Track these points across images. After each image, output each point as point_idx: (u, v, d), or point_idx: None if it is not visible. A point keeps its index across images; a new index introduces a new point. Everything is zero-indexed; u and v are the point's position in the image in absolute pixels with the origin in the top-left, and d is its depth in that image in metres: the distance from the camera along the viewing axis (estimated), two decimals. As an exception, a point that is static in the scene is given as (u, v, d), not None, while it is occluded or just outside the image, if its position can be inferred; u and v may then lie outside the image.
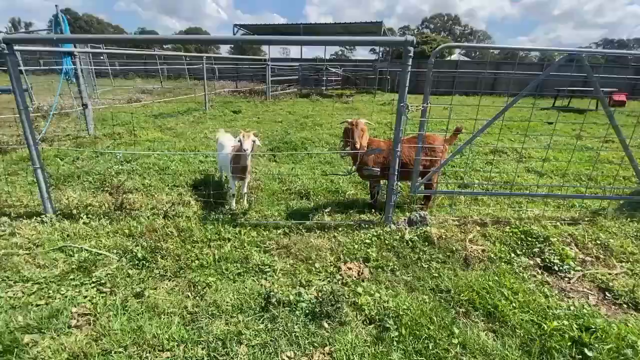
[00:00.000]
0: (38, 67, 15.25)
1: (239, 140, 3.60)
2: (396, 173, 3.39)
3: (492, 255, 3.15)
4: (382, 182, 4.06)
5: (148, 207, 3.99)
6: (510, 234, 3.45)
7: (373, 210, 3.98)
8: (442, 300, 2.58)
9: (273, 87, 16.41)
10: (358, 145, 3.46)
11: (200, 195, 4.38)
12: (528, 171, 5.67)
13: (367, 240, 3.33)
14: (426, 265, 3.00)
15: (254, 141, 3.65)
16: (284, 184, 4.84)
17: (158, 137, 7.47)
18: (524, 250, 3.24)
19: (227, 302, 2.50)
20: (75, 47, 7.70)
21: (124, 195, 4.18)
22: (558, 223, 3.66)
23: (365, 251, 3.16)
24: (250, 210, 3.98)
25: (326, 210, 3.92)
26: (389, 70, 20.48)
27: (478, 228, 3.58)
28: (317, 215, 3.89)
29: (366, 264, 3.02)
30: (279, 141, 7.27)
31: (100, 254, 3.04)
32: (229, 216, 3.77)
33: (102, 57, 19.78)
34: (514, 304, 2.53)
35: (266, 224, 3.63)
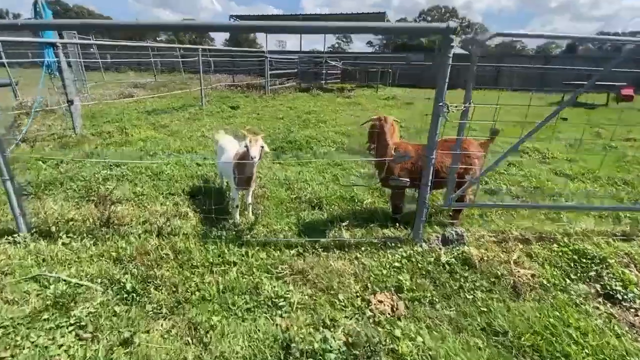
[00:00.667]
0: (25, 60, 14.47)
1: (246, 146, 3.09)
2: (429, 184, 2.91)
3: (545, 282, 2.70)
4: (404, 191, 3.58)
5: (140, 222, 3.48)
6: (560, 254, 3.00)
7: (397, 223, 3.50)
8: (500, 346, 2.12)
9: (271, 81, 15.80)
10: (392, 144, 2.96)
11: (198, 206, 3.87)
12: (556, 174, 5.22)
13: (397, 264, 2.86)
14: (470, 296, 2.54)
15: (262, 147, 3.14)
16: (292, 191, 4.34)
17: (151, 135, 6.91)
18: (579, 275, 2.79)
19: (237, 352, 2.02)
20: (61, 37, 7.08)
21: (112, 207, 3.66)
22: (610, 239, 3.21)
23: (396, 278, 2.69)
24: (257, 224, 3.48)
25: (344, 224, 3.44)
26: (409, 62, 19.90)
27: (521, 246, 3.12)
28: (333, 230, 3.40)
29: (399, 294, 2.55)
30: (282, 140, 6.74)
31: (81, 285, 2.54)
32: (233, 232, 3.27)
33: (91, 49, 18.95)
34: (586, 350, 2.08)
35: (276, 242, 3.14)
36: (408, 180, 3.00)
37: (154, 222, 3.42)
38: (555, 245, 3.10)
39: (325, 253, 3.04)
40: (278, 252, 3.02)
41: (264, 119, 8.77)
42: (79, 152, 5.65)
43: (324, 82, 19.14)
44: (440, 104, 2.60)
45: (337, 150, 6.32)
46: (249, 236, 3.23)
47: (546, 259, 2.95)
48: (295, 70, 19.49)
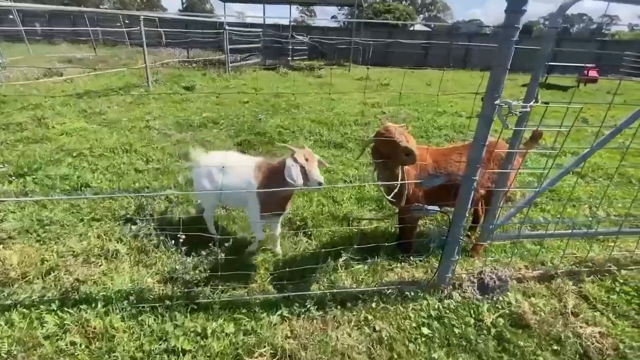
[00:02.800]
0: None
1: (301, 166, 2.15)
2: (467, 213, 2.05)
3: (619, 343, 2.00)
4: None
5: (39, 273, 2.33)
6: (622, 295, 2.32)
7: (404, 252, 2.66)
8: None
9: (232, 57, 14.11)
10: (416, 152, 2.03)
11: (137, 236, 2.76)
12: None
13: (425, 329, 2.02)
14: (537, 384, 1.77)
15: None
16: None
17: (80, 127, 5.45)
18: (655, 328, 2.13)
19: None
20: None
21: (-3, 251, 2.46)
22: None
23: (427, 356, 1.85)
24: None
25: (341, 261, 2.53)
26: (360, 40, 18.72)
27: (572, 285, 2.40)
28: (328, 271, 2.48)
29: (439, 390, 1.72)
30: (248, 131, 5.60)
31: None
32: (182, 289, 2.24)
33: (11, 16, 15.88)
34: None
35: (249, 302, 2.17)
36: (438, 208, 2.12)
37: (60, 278, 2.29)
38: (612, 282, 2.42)
39: (320, 314, 2.13)
40: (252, 319, 2.06)
41: (224, 103, 7.46)
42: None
43: (290, 59, 17.65)
44: (498, 102, 1.70)
45: (315, 144, 5.33)
46: (207, 290, 2.22)
47: (608, 304, 2.26)
48: (259, 46, 17.75)
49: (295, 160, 2.17)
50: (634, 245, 2.71)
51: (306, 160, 2.17)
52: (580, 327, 2.08)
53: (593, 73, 14.86)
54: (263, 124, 5.94)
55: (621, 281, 2.41)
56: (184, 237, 2.33)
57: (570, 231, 2.37)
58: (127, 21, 19.44)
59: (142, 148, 4.58)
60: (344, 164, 4.48)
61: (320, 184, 2.14)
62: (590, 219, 3.26)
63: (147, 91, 7.98)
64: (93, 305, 2.04)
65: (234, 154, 2.81)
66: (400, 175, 2.18)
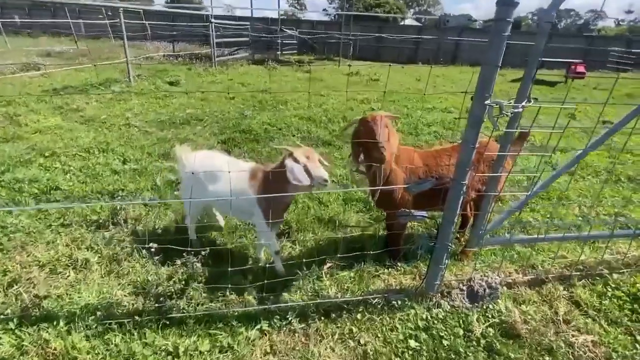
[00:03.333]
0: None
1: (304, 168, 2.00)
2: (455, 219, 1.95)
3: (611, 352, 1.93)
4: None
5: (0, 288, 2.16)
6: (614, 300, 2.26)
7: (391, 257, 2.56)
8: None
9: (220, 51, 13.77)
10: (389, 156, 1.94)
11: (108, 244, 2.59)
12: (553, 168, 4.59)
13: (412, 342, 1.92)
14: (528, 398, 1.68)
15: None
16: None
17: (55, 124, 5.20)
18: (647, 334, 2.07)
19: None
20: None
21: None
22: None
23: (416, 372, 1.75)
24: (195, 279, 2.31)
25: (325, 268, 2.41)
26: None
27: (563, 291, 2.33)
28: (311, 278, 2.36)
29: (427, 409, 1.62)
30: (233, 129, 5.41)
31: None
32: (153, 303, 2.09)
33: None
34: None
35: (226, 315, 2.04)
36: (426, 214, 2.01)
37: (19, 292, 2.11)
38: (604, 286, 2.36)
39: (302, 326, 2.00)
40: (229, 334, 1.92)
41: (209, 99, 7.23)
42: None
43: (279, 53, 17.36)
44: (488, 102, 1.58)
45: (303, 141, 5.17)
46: (182, 303, 2.08)
47: (600, 310, 2.19)
48: (247, 39, 17.39)
49: (296, 159, 2.03)
50: (626, 248, 2.66)
51: (307, 158, 2.04)
52: (572, 335, 2.01)
53: (580, 68, 14.99)
54: (249, 121, 5.76)
55: (613, 285, 2.34)
56: (155, 246, 2.18)
57: (562, 235, 2.29)
58: (109, 13, 18.79)
59: (120, 147, 4.37)
60: (332, 162, 4.34)
61: (325, 181, 2.02)
62: (581, 220, 3.21)
63: (128, 87, 7.69)
64: (55, 323, 1.88)
65: (221, 155, 2.61)
66: (379, 174, 2.06)
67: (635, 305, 2.20)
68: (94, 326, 1.88)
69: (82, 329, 1.87)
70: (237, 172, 2.18)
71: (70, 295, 2.15)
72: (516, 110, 1.63)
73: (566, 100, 1.85)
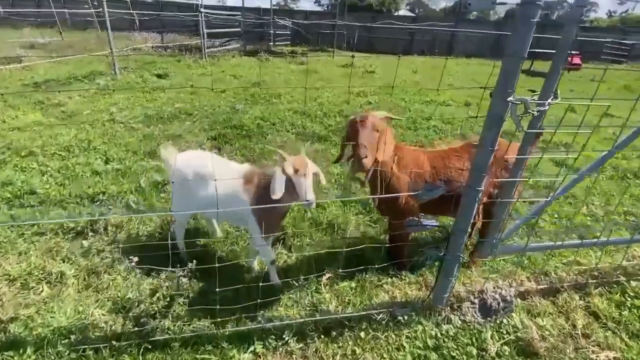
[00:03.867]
0: None
1: (289, 183, 1.83)
2: (469, 229, 1.76)
3: (634, 370, 1.78)
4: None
5: (-40, 308, 1.93)
6: (633, 310, 2.11)
7: (395, 267, 2.38)
8: None
9: (210, 42, 13.34)
10: (368, 164, 1.76)
11: (86, 253, 2.37)
12: (556, 164, 4.44)
13: (421, 364, 1.75)
14: None
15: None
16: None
17: (35, 120, 4.90)
18: (672, 349, 1.92)
19: None
20: None
21: None
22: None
23: (427, 400, 1.58)
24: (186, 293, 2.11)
25: (324, 279, 2.22)
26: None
27: (579, 300, 2.18)
28: (308, 290, 2.17)
29: None
30: (224, 124, 5.16)
31: None
32: (132, 325, 1.89)
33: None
34: None
35: (215, 336, 1.84)
36: (436, 223, 1.82)
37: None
38: (622, 295, 2.21)
39: (300, 346, 1.82)
40: (219, 358, 1.73)
41: (199, 92, 6.92)
42: None
43: (272, 44, 16.93)
44: (511, 98, 1.39)
45: (297, 137, 4.95)
46: (167, 323, 1.87)
47: (620, 322, 2.04)
48: (239, 30, 16.91)
49: (284, 171, 1.83)
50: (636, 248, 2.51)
51: (296, 171, 1.82)
52: (593, 352, 1.86)
53: (576, 60, 14.88)
54: (240, 116, 5.50)
55: (632, 294, 2.19)
56: (136, 259, 1.96)
57: (580, 242, 2.13)
58: (95, 3, 18.13)
59: (102, 145, 4.10)
60: (328, 160, 4.13)
61: (310, 203, 1.80)
62: (591, 220, 3.07)
63: (113, 80, 7.34)
64: (21, 351, 1.67)
65: (211, 155, 2.35)
66: (379, 180, 1.87)
67: (656, 316, 2.06)
68: (66, 353, 1.67)
69: (52, 356, 1.66)
70: (230, 176, 1.97)
71: (42, 315, 1.94)
72: (542, 109, 1.43)
73: (599, 98, 1.66)
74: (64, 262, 2.33)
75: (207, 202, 2.06)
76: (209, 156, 2.17)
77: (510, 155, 1.93)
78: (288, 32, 18.73)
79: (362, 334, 1.89)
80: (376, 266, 2.11)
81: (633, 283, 2.26)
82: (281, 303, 2.10)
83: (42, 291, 2.12)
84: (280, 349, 1.81)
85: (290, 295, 2.14)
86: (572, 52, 14.80)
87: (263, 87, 7.27)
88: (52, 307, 1.99)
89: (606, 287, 2.27)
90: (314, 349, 1.82)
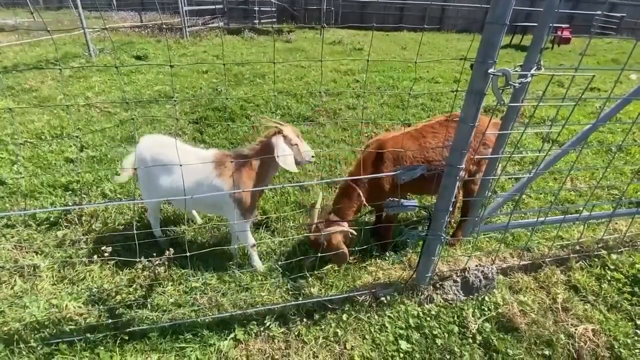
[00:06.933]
0: None
1: (290, 144, 1.95)
2: (450, 207, 1.72)
3: (612, 341, 1.81)
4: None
5: None
6: (612, 283, 2.14)
7: (379, 247, 2.36)
8: None
9: (192, 21, 12.78)
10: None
11: (61, 244, 2.29)
12: (542, 140, 4.42)
13: (403, 343, 1.74)
14: (530, 401, 1.55)
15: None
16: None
17: (5, 107, 4.64)
18: (647, 318, 1.96)
19: None
20: None
21: None
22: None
23: (408, 378, 1.59)
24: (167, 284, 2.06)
25: (309, 262, 2.19)
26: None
27: (560, 275, 2.19)
28: (290, 275, 2.14)
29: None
30: (205, 107, 4.98)
31: None
32: (107, 317, 1.84)
33: None
34: None
35: (194, 324, 1.81)
36: (416, 203, 1.77)
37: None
38: (602, 268, 2.23)
39: (283, 331, 1.80)
40: (199, 346, 1.70)
41: (180, 73, 6.67)
42: None
43: (257, 21, 16.33)
44: (492, 70, 1.31)
45: (282, 118, 4.82)
46: (145, 313, 1.83)
47: (599, 295, 2.07)
48: (222, 7, 16.22)
49: (286, 137, 1.89)
50: (623, 225, 2.53)
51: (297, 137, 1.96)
52: (572, 324, 1.88)
53: (566, 33, 14.71)
54: (223, 97, 5.32)
55: (611, 267, 2.22)
56: (109, 250, 1.89)
57: (563, 217, 2.12)
58: (67, -20, 17.08)
59: (77, 131, 3.93)
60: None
61: (313, 157, 2.00)
62: (575, 193, 3.07)
63: (88, 62, 7.00)
64: (-9, 347, 1.61)
65: (174, 141, 2.24)
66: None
67: (636, 288, 2.08)
68: (38, 348, 1.62)
69: (24, 352, 1.61)
70: (197, 161, 1.89)
71: (14, 309, 1.87)
72: (525, 80, 1.36)
73: (583, 68, 1.59)
74: (37, 254, 2.24)
75: (175, 189, 1.97)
76: (172, 142, 2.04)
77: (490, 131, 1.88)
78: (274, 9, 18.06)
79: (345, 316, 1.87)
80: (357, 248, 2.08)
81: (613, 256, 2.28)
82: (263, 288, 2.06)
83: (14, 285, 2.05)
84: (262, 334, 1.79)
85: (273, 280, 2.11)
86: (562, 25, 14.66)
87: (246, 66, 7.03)
88: (24, 302, 1.92)
89: (587, 261, 2.28)
90: (296, 333, 1.80)
